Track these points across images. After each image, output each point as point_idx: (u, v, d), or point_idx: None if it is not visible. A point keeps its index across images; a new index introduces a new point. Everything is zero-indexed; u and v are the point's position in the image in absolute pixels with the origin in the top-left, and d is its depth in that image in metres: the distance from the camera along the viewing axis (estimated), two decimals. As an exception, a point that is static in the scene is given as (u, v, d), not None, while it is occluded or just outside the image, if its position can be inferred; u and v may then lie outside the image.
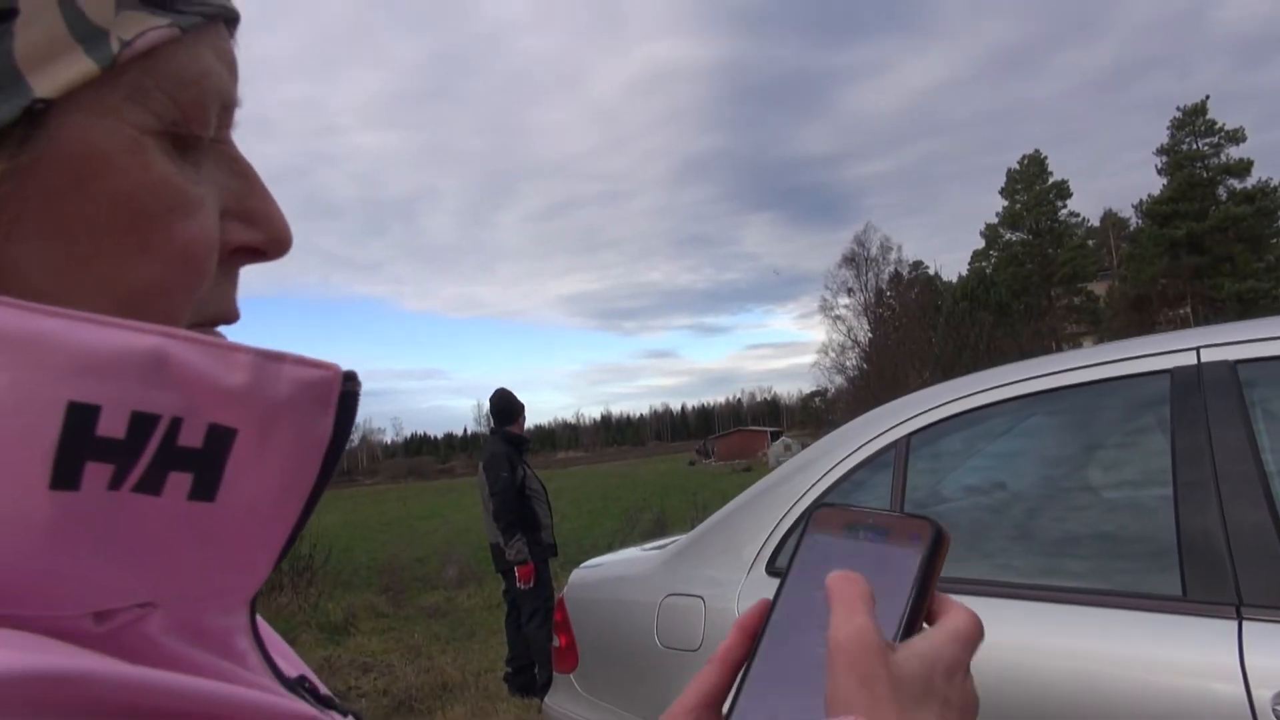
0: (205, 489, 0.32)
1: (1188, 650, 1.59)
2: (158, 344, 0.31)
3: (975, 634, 0.42)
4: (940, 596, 0.44)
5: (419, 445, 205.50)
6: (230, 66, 0.40)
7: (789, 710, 0.41)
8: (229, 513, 0.33)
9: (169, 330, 0.32)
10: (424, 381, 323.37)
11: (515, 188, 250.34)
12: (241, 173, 0.42)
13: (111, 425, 0.30)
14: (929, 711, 0.38)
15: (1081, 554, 2.03)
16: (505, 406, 5.84)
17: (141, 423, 0.30)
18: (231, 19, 0.41)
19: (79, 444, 0.29)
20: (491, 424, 5.95)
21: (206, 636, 0.36)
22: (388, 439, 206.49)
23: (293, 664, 0.46)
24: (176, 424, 0.31)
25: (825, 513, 0.48)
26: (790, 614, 0.44)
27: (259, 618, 0.48)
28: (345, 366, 0.37)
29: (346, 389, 0.37)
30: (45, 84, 0.32)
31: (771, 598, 0.46)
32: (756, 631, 0.45)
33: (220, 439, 0.33)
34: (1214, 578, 1.62)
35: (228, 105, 0.40)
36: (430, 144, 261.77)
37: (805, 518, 0.48)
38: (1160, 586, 1.72)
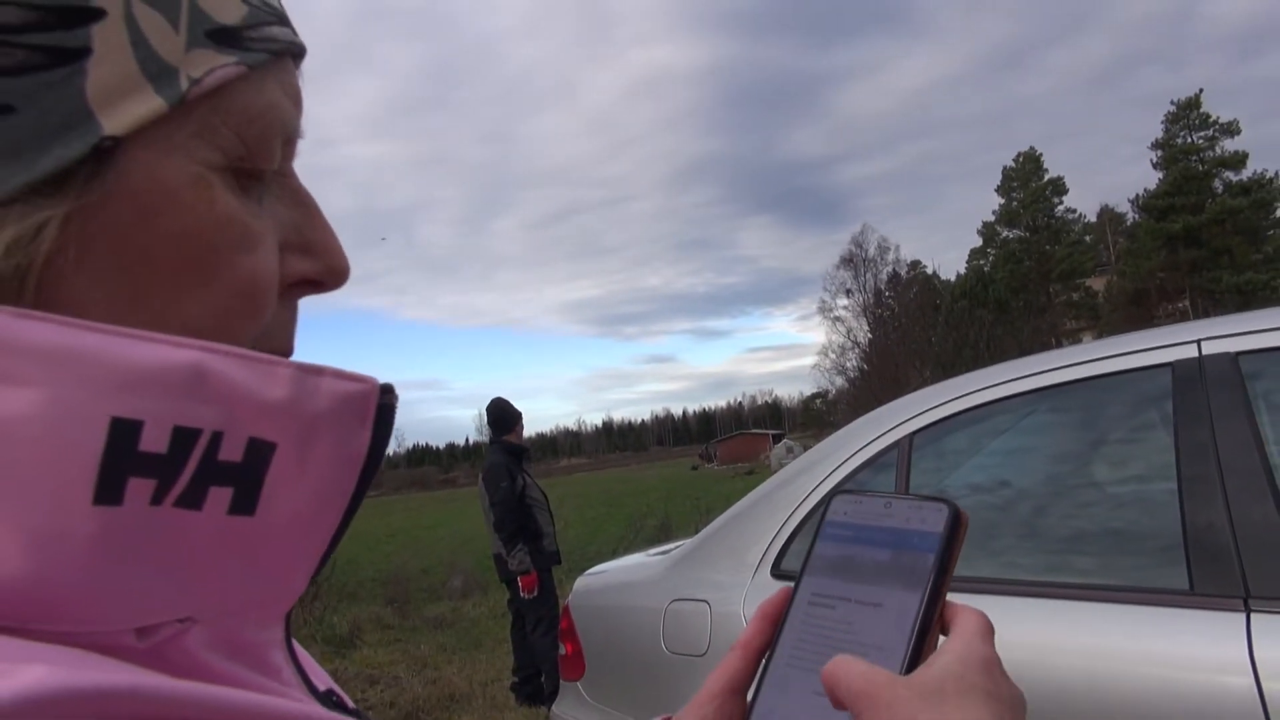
0: (245, 503, 0.33)
1: (1197, 644, 1.58)
2: (198, 358, 0.31)
3: (991, 629, 0.42)
4: (947, 603, 0.44)
5: (421, 456, 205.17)
6: (295, 100, 0.41)
7: (812, 698, 0.41)
8: (268, 527, 0.34)
9: (209, 345, 0.32)
10: (425, 392, 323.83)
11: (513, 195, 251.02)
12: (302, 203, 0.42)
13: (154, 440, 0.30)
14: (971, 703, 0.37)
15: (1087, 550, 2.02)
16: (502, 416, 5.81)
17: (183, 437, 0.31)
18: (298, 54, 0.41)
19: (122, 459, 0.29)
20: (490, 434, 5.95)
21: (244, 651, 0.36)
22: (390, 450, 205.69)
23: (320, 678, 0.46)
24: (217, 438, 0.31)
25: (843, 499, 0.48)
26: (813, 602, 0.45)
27: None
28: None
29: (384, 402, 0.37)
30: (115, 122, 0.32)
31: (792, 587, 0.46)
32: (779, 619, 0.45)
33: (260, 453, 0.33)
34: (1221, 571, 1.61)
35: (291, 138, 0.41)
36: (426, 154, 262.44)
37: (824, 504, 0.48)
38: (1167, 581, 1.71)
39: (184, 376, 0.31)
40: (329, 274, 0.42)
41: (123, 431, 0.29)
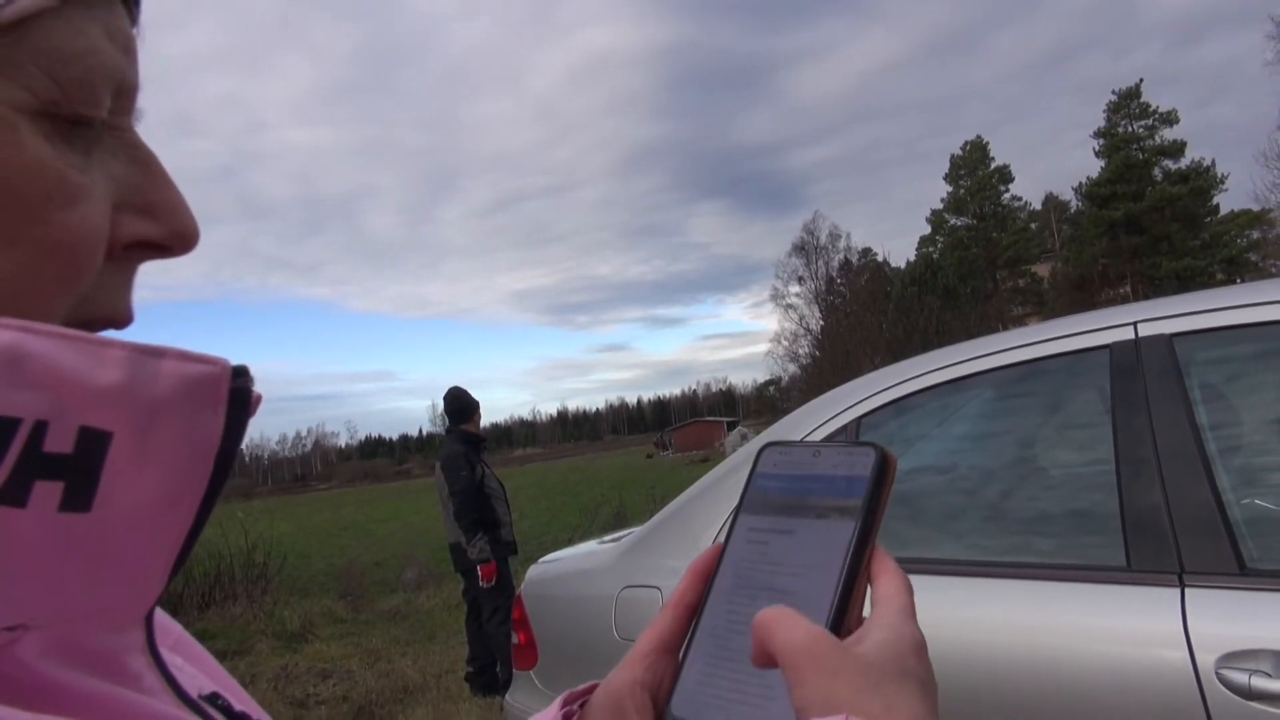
0: (79, 499, 0.30)
1: (1134, 619, 1.62)
2: (14, 339, 0.28)
3: (913, 606, 0.41)
4: (878, 552, 0.43)
5: (374, 448, 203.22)
6: (125, 46, 0.37)
7: (745, 652, 0.40)
8: (109, 524, 0.31)
9: (28, 325, 0.29)
10: (376, 384, 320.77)
11: (458, 183, 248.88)
12: (141, 161, 0.39)
13: None
14: (908, 692, 0.36)
15: (1028, 530, 2.06)
16: (460, 405, 5.80)
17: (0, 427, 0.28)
18: None
19: None
20: (447, 423, 5.91)
21: (93, 659, 0.33)
22: (342, 443, 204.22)
23: (215, 678, 0.44)
24: (41, 428, 0.28)
25: (772, 450, 0.48)
26: (743, 555, 0.44)
27: (182, 630, 0.45)
28: (235, 361, 0.34)
29: (237, 385, 0.34)
30: None
31: (723, 541, 0.46)
32: (709, 575, 0.45)
33: (94, 443, 0.30)
34: (1156, 547, 1.65)
35: (124, 88, 0.37)
36: (366, 139, 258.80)
37: (754, 457, 0.48)
38: (1105, 558, 1.75)
39: None
40: (174, 238, 0.39)
41: None
